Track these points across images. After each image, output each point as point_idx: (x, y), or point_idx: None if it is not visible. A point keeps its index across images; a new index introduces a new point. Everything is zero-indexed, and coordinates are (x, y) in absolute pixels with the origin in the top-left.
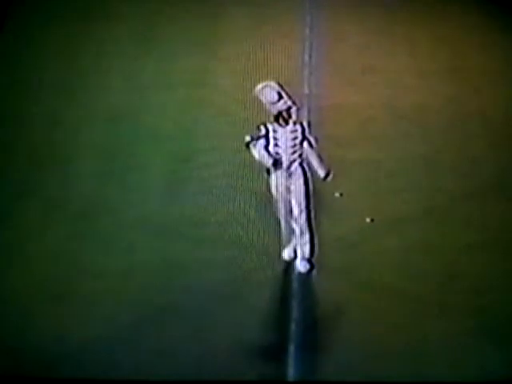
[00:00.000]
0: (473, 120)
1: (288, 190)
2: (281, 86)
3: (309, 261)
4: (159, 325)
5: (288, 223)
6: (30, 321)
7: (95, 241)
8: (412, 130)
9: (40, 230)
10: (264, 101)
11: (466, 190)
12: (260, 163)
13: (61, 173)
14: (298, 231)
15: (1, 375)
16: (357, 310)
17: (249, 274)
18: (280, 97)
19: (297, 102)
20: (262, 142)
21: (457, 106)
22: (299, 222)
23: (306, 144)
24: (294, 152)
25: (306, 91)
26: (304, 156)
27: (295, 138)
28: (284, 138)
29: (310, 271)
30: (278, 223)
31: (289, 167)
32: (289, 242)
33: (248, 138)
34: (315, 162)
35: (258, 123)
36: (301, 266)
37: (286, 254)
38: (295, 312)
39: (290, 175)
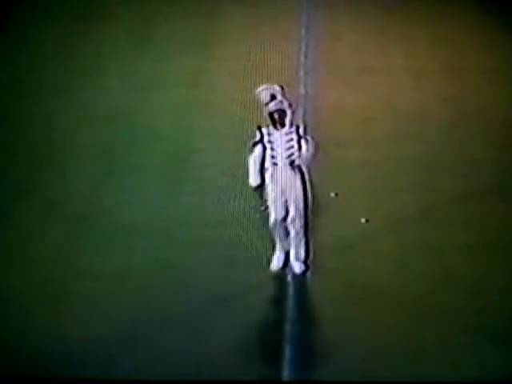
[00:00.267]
0: (472, 120)
1: (285, 193)
2: (282, 88)
3: (304, 262)
4: (157, 325)
5: (282, 225)
6: (29, 321)
7: (94, 241)
8: (410, 130)
9: (39, 230)
10: (261, 102)
11: (464, 191)
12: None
13: (59, 173)
14: (293, 233)
15: (1, 375)
16: (353, 310)
17: (246, 274)
18: (272, 98)
19: (293, 105)
20: (259, 149)
21: (455, 105)
22: (295, 224)
23: (303, 143)
24: (291, 154)
25: (302, 91)
26: (301, 158)
27: (291, 140)
28: (279, 141)
29: (304, 272)
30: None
31: (286, 169)
32: (279, 249)
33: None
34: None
35: (255, 123)
36: (296, 267)
37: (275, 262)
38: (291, 312)
39: (287, 177)
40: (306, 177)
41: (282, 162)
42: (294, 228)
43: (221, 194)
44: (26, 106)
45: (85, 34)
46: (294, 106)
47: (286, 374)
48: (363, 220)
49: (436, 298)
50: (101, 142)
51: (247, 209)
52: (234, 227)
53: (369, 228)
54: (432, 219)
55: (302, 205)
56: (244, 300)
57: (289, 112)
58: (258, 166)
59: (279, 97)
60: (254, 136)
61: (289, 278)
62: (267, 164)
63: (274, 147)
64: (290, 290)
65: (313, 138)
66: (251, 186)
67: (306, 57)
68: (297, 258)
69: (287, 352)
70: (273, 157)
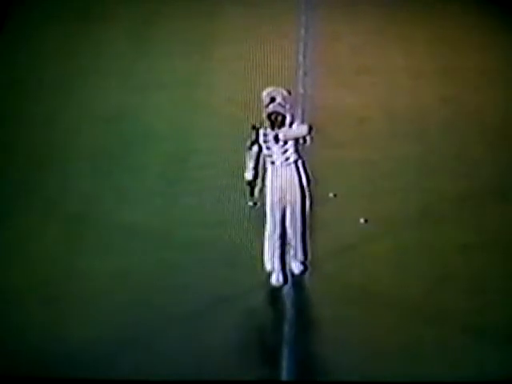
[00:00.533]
0: (471, 120)
1: (283, 192)
2: (289, 93)
3: (302, 263)
4: (157, 325)
5: (279, 227)
6: (29, 321)
7: (93, 241)
8: (408, 130)
9: (39, 230)
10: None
11: (463, 191)
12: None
13: (59, 173)
14: (291, 233)
15: (1, 375)
16: (352, 310)
17: (245, 275)
18: (272, 100)
19: (293, 110)
20: (256, 148)
21: (455, 106)
22: (293, 224)
23: (294, 126)
24: (286, 151)
25: (301, 91)
26: (296, 157)
27: (285, 142)
28: (275, 141)
29: (303, 273)
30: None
31: (284, 168)
32: (276, 266)
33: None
34: (296, 130)
35: (254, 124)
36: (294, 267)
37: (274, 278)
38: (288, 312)
39: (285, 176)
40: (303, 173)
41: (278, 160)
42: (293, 228)
43: (220, 194)
44: (26, 106)
45: (85, 34)
46: (294, 111)
47: (285, 374)
48: (362, 220)
49: (435, 298)
50: (101, 142)
51: (247, 209)
52: (234, 227)
53: (368, 228)
54: (431, 219)
55: (299, 204)
56: (244, 300)
57: (288, 116)
58: (253, 162)
59: (279, 99)
60: (251, 136)
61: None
62: (265, 164)
63: (270, 146)
64: (290, 291)
65: (312, 138)
66: (245, 180)
67: (305, 57)
68: (295, 259)
69: (286, 352)
70: (270, 156)
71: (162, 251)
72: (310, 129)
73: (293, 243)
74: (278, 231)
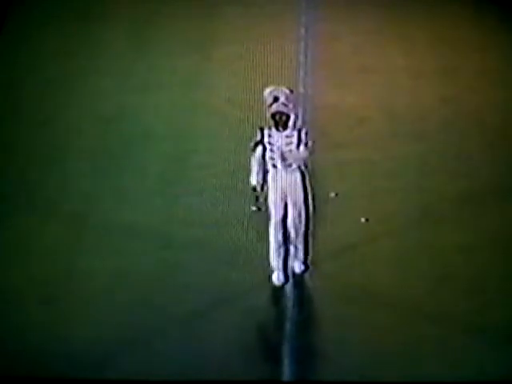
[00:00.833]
0: (470, 120)
1: (285, 194)
2: (291, 92)
3: (304, 262)
4: (157, 325)
5: (282, 227)
6: (29, 321)
7: (93, 241)
8: (408, 130)
9: (39, 230)
10: (265, 103)
11: (463, 191)
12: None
13: (59, 173)
14: (293, 233)
15: (1, 375)
16: (352, 310)
17: (245, 275)
18: (275, 100)
19: (297, 108)
20: (260, 149)
21: (454, 105)
22: (295, 225)
23: (301, 147)
24: (284, 159)
25: (302, 91)
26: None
27: (290, 143)
28: (279, 143)
29: (304, 272)
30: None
31: (286, 171)
32: (278, 265)
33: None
34: (303, 152)
35: (254, 124)
36: (295, 266)
37: (275, 277)
38: (289, 312)
39: (287, 179)
40: (307, 178)
41: (281, 164)
42: (295, 229)
43: (220, 194)
44: (26, 106)
45: (85, 34)
46: (297, 110)
47: (286, 374)
48: (363, 219)
49: (435, 298)
50: (101, 142)
51: (247, 209)
52: (234, 227)
53: (368, 228)
54: (431, 219)
55: (302, 206)
56: (244, 300)
57: (292, 115)
58: (258, 166)
59: (282, 99)
60: (255, 136)
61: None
62: (267, 165)
63: (274, 149)
64: (290, 291)
65: (313, 142)
66: (250, 186)
67: (305, 57)
68: (296, 258)
69: (287, 352)
70: (272, 158)
71: (161, 251)
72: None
73: (294, 243)
74: (280, 231)
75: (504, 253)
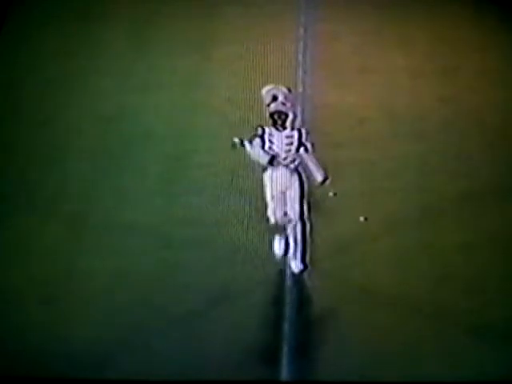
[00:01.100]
0: (470, 120)
1: (282, 193)
2: (290, 91)
3: (302, 261)
4: (157, 325)
5: (280, 226)
6: (29, 321)
7: (93, 241)
8: (408, 130)
9: (39, 230)
10: (264, 102)
11: (463, 191)
12: (255, 163)
13: (59, 173)
14: (291, 234)
15: (0, 375)
16: (351, 309)
17: (245, 274)
18: (274, 99)
19: (296, 107)
20: (258, 141)
21: (454, 106)
22: (292, 225)
23: (302, 150)
24: (288, 157)
25: (301, 90)
26: (299, 161)
27: (290, 144)
28: (279, 141)
29: (303, 271)
30: (270, 225)
31: (283, 170)
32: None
33: (236, 140)
34: (312, 166)
35: (252, 124)
36: (294, 266)
37: (276, 246)
38: (288, 312)
39: (284, 178)
40: (304, 178)
41: (278, 163)
42: (292, 228)
43: (221, 193)
44: (26, 106)
45: (85, 34)
46: (295, 109)
47: (284, 374)
48: (362, 218)
49: (435, 297)
50: (101, 142)
51: (247, 208)
52: (234, 226)
53: (367, 227)
54: (431, 219)
55: (298, 205)
56: (243, 300)
57: (290, 115)
58: (259, 148)
59: (281, 98)
60: (255, 132)
61: (287, 277)
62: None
63: (274, 148)
64: (289, 290)
65: (313, 144)
66: (265, 163)
67: (304, 56)
68: (295, 258)
69: (286, 352)
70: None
71: (161, 251)
72: (325, 179)
73: (292, 242)
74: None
75: (504, 252)
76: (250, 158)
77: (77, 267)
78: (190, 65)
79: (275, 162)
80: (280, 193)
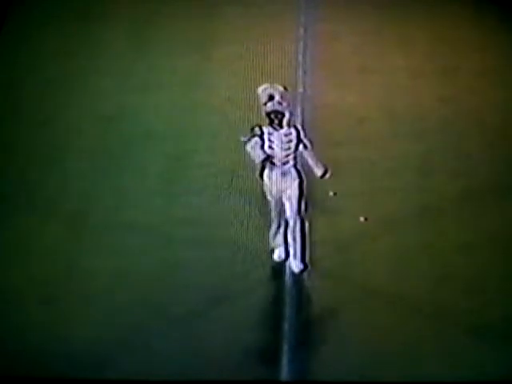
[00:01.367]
0: (470, 120)
1: (282, 192)
2: (285, 89)
3: (302, 261)
4: (157, 325)
5: (280, 224)
6: (29, 321)
7: (93, 241)
8: (408, 130)
9: (39, 229)
10: (260, 101)
11: (462, 190)
12: (254, 163)
13: (59, 172)
14: (290, 232)
15: (1, 375)
16: (351, 309)
17: (245, 274)
18: (270, 99)
19: (291, 106)
20: (257, 140)
21: (453, 106)
22: (292, 223)
23: (301, 147)
24: (288, 155)
25: (301, 90)
26: (298, 159)
27: (289, 142)
28: (278, 140)
29: (303, 271)
30: (270, 224)
31: (283, 169)
32: (279, 242)
33: (244, 138)
34: (311, 161)
35: (252, 123)
36: (294, 266)
37: (277, 254)
38: (288, 311)
39: (284, 177)
40: (302, 175)
41: (279, 162)
42: (291, 225)
43: (220, 193)
44: (26, 106)
45: (85, 34)
46: (292, 108)
47: (284, 374)
48: (362, 219)
49: (435, 297)
50: (101, 142)
51: (247, 208)
52: (234, 226)
53: (367, 227)
54: (430, 218)
55: (297, 204)
56: (243, 300)
57: (287, 113)
58: (258, 148)
59: (277, 97)
60: (254, 131)
61: (287, 277)
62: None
63: (273, 146)
64: (289, 290)
65: (311, 141)
66: (258, 162)
67: (304, 56)
68: (294, 257)
69: (286, 352)
70: (270, 156)
71: (162, 250)
72: (325, 172)
73: (292, 242)
74: (279, 219)
75: (504, 252)
76: (249, 158)
77: (77, 267)
78: (189, 65)
79: (269, 163)
80: (279, 191)
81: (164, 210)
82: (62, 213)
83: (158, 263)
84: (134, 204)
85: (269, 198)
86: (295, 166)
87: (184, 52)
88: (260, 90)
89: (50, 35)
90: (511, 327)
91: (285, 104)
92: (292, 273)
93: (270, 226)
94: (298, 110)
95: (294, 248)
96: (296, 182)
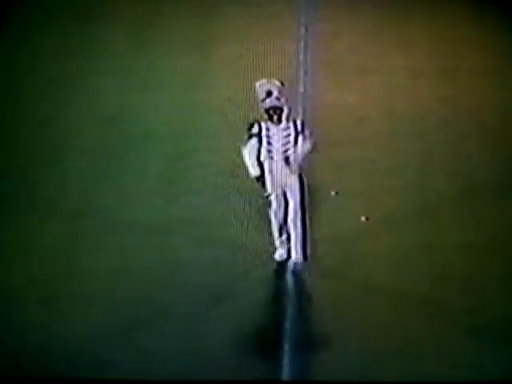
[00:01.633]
0: (469, 120)
1: (283, 185)
2: (282, 84)
3: (302, 253)
4: (157, 324)
5: (281, 220)
6: (29, 321)
7: (93, 240)
8: (407, 129)
9: (39, 229)
10: (258, 97)
11: (462, 190)
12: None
13: (59, 172)
14: (291, 227)
15: (1, 375)
16: (351, 309)
17: (245, 273)
18: (268, 95)
19: (289, 102)
20: (255, 142)
21: (453, 106)
22: (293, 218)
23: (300, 139)
24: (287, 149)
25: (302, 90)
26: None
27: (288, 135)
28: (277, 136)
29: (302, 264)
30: (270, 221)
31: (283, 162)
32: (280, 241)
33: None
34: (301, 143)
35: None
36: (294, 260)
37: (278, 254)
38: (289, 311)
39: (284, 170)
40: (302, 170)
41: (278, 156)
42: (292, 220)
43: (220, 192)
44: (26, 106)
45: (85, 34)
46: (289, 103)
47: (285, 373)
48: (363, 218)
49: (435, 296)
50: (101, 142)
51: (247, 207)
52: (234, 226)
53: (367, 226)
54: (430, 217)
55: (298, 198)
56: (244, 299)
57: (285, 109)
58: (254, 157)
59: (275, 93)
60: (251, 129)
61: (288, 276)
62: (263, 157)
63: (272, 142)
64: (290, 289)
65: (311, 133)
66: (252, 176)
67: (305, 56)
68: (295, 249)
69: (286, 352)
70: (269, 151)
71: (162, 250)
72: (314, 145)
73: (293, 236)
74: (281, 216)
75: (504, 251)
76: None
77: (77, 267)
78: (189, 65)
79: (269, 157)
80: (279, 184)
81: (164, 210)
82: (62, 213)
83: (157, 263)
84: (133, 204)
85: (269, 191)
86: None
87: (184, 52)
88: (257, 85)
89: (50, 35)
90: (511, 327)
91: (283, 99)
92: (292, 273)
93: (270, 224)
94: (299, 110)
95: (295, 240)
96: (296, 175)
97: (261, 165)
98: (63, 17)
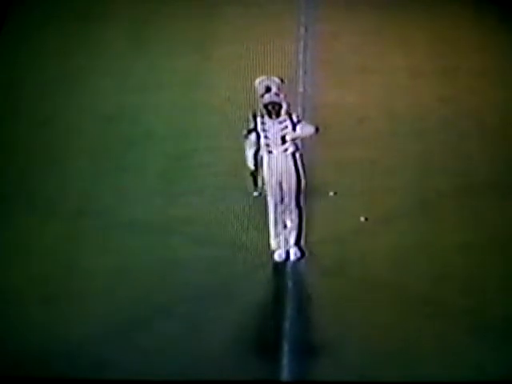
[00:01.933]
0: (469, 120)
1: (281, 178)
2: (282, 81)
3: (299, 249)
4: (157, 324)
5: (278, 213)
6: (29, 321)
7: (93, 240)
8: (407, 129)
9: (39, 229)
10: (257, 93)
11: (462, 190)
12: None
13: (59, 172)
14: (288, 219)
15: (1, 375)
16: (351, 309)
17: (243, 274)
18: (267, 90)
19: (289, 100)
20: (253, 136)
21: (453, 106)
22: (290, 210)
23: (298, 127)
24: (285, 142)
25: (301, 90)
26: (294, 147)
27: (285, 128)
28: (273, 129)
29: (300, 259)
30: (269, 221)
31: (280, 156)
32: (277, 242)
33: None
34: (301, 128)
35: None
36: (291, 253)
37: (277, 255)
38: (288, 311)
39: (282, 163)
40: (299, 164)
41: (276, 149)
42: (289, 214)
43: (220, 192)
44: (26, 106)
45: (85, 34)
46: (287, 100)
47: (285, 374)
48: (362, 218)
49: (435, 296)
50: (100, 142)
51: (247, 207)
52: (234, 226)
53: (367, 226)
54: (429, 217)
55: (295, 192)
56: (243, 299)
57: (284, 104)
58: (253, 150)
59: (274, 89)
60: (248, 123)
61: (288, 277)
62: (262, 151)
63: (269, 135)
64: (290, 289)
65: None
66: (249, 169)
67: (304, 56)
68: (292, 245)
69: (286, 352)
70: (267, 145)
71: (161, 250)
72: (317, 129)
73: (290, 229)
74: (279, 212)
75: (504, 251)
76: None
77: (77, 267)
78: (189, 65)
79: (267, 151)
80: (277, 178)
81: (164, 210)
82: (62, 213)
83: (157, 263)
84: (133, 204)
85: (267, 185)
86: (293, 153)
87: (184, 52)
88: (257, 82)
89: (50, 35)
90: (511, 327)
91: (282, 95)
92: (292, 273)
93: (268, 223)
94: (299, 110)
95: (291, 235)
96: (294, 169)
97: (256, 160)
98: (63, 17)
